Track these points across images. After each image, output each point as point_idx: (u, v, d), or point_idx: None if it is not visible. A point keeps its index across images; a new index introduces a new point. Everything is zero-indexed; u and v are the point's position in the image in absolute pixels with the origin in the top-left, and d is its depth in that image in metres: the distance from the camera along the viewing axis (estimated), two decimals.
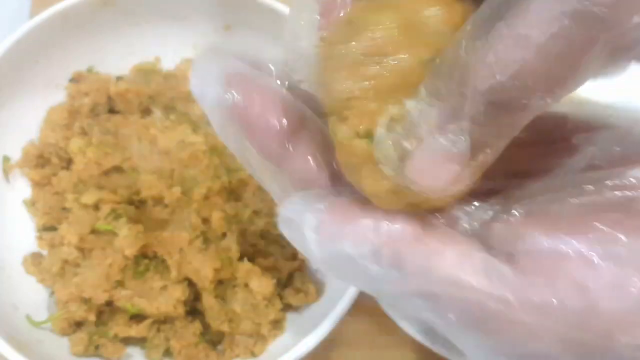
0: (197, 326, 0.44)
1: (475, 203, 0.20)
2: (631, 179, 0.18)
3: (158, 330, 0.44)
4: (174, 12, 0.52)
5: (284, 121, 0.20)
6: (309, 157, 0.21)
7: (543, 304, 0.17)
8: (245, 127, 0.20)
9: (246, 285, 0.44)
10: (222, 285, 0.44)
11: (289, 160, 0.21)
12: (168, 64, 0.53)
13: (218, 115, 0.21)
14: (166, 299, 0.43)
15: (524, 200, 0.20)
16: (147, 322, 0.43)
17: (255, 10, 0.49)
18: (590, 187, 0.19)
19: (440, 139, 0.17)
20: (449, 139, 0.17)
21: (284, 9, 0.47)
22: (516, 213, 0.19)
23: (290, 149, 0.21)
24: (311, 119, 0.22)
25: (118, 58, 0.52)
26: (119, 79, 0.51)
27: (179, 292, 0.43)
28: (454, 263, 0.18)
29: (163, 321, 0.44)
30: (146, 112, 0.51)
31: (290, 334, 0.44)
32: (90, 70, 0.52)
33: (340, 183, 0.21)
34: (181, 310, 0.43)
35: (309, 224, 0.19)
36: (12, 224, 0.47)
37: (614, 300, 0.17)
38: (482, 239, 0.19)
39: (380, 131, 0.18)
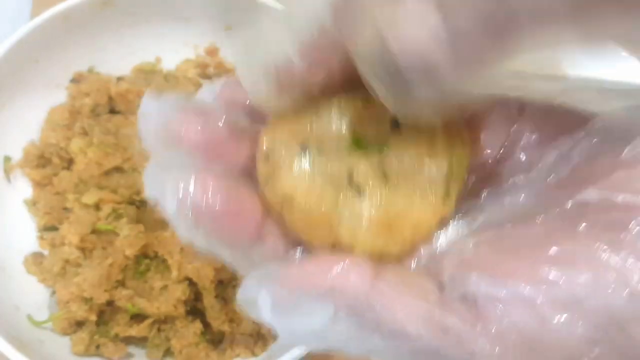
0: (197, 326, 0.44)
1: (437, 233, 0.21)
2: (589, 197, 0.19)
3: (159, 329, 0.44)
4: (175, 12, 0.52)
5: (252, 216, 0.21)
6: (279, 246, 0.21)
7: (491, 357, 0.17)
8: (215, 230, 0.20)
9: None
10: (223, 285, 0.44)
11: (260, 249, 0.21)
12: (168, 64, 0.53)
13: (183, 224, 0.20)
14: (167, 298, 0.43)
15: (481, 228, 0.20)
16: (148, 321, 0.43)
17: (256, 10, 0.49)
18: (540, 217, 0.19)
19: None
20: None
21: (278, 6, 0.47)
22: (469, 247, 0.20)
23: (262, 239, 0.21)
24: None
25: (119, 58, 0.52)
26: (119, 79, 0.51)
27: (179, 292, 0.43)
28: (404, 316, 0.18)
29: (164, 321, 0.44)
30: None
31: None
32: (91, 70, 0.52)
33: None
34: (182, 310, 0.43)
35: (265, 305, 0.20)
36: (13, 224, 0.47)
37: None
38: (437, 275, 0.19)
39: None
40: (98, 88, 0.50)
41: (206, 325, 0.44)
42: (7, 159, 0.48)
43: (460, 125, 0.21)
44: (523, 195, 0.21)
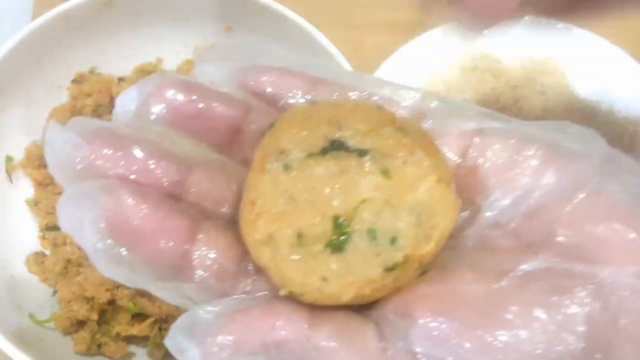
0: None
1: None
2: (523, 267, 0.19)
3: (160, 329, 0.44)
4: (176, 13, 0.52)
5: (176, 236, 0.20)
6: (211, 271, 0.20)
7: None
8: (137, 253, 0.19)
9: None
10: None
11: (190, 274, 0.20)
12: (169, 65, 0.54)
13: (100, 258, 0.19)
14: None
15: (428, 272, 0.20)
16: (149, 321, 0.44)
17: (256, 11, 0.49)
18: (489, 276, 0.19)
19: None
20: None
21: (284, 9, 0.47)
22: (411, 295, 0.20)
23: (191, 257, 0.20)
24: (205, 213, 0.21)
25: (120, 59, 0.52)
26: (121, 80, 0.52)
27: None
28: None
29: (165, 320, 0.44)
30: None
31: None
32: (92, 71, 0.52)
33: (246, 274, 0.21)
34: (182, 309, 0.43)
35: (194, 357, 0.19)
36: (15, 223, 0.47)
37: None
38: (377, 323, 0.19)
39: None
40: (99, 89, 0.50)
41: None
42: (9, 159, 0.49)
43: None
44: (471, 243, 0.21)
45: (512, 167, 0.21)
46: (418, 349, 0.18)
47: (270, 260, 0.20)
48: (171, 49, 0.53)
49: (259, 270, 0.20)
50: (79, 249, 0.45)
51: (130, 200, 0.19)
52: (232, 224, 0.21)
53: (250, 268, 0.21)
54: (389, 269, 0.20)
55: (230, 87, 0.23)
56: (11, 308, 0.43)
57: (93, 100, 0.50)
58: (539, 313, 0.18)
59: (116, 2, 0.49)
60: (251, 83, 0.23)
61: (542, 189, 0.20)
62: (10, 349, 0.38)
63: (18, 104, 0.49)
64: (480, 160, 0.21)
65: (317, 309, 0.20)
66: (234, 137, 0.22)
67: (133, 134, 0.20)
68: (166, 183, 0.20)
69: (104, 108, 0.50)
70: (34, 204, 0.48)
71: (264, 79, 0.23)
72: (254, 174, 0.20)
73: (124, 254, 0.19)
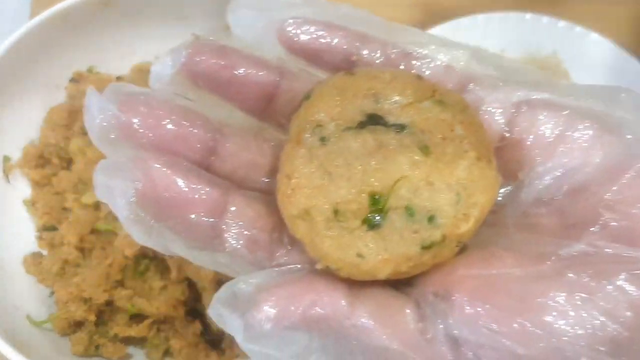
0: (197, 326, 0.44)
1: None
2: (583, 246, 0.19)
3: (158, 330, 0.44)
4: (174, 12, 0.52)
5: (206, 205, 0.20)
6: (242, 241, 0.20)
7: None
8: (169, 220, 0.20)
9: None
10: (222, 285, 0.44)
11: (222, 244, 0.20)
12: None
13: (133, 228, 0.20)
14: (166, 298, 0.43)
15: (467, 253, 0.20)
16: (147, 322, 0.43)
17: None
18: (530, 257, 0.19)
19: None
20: None
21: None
22: (450, 276, 0.19)
23: (222, 227, 0.20)
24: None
25: (118, 58, 0.52)
26: (119, 78, 0.51)
27: (178, 292, 0.43)
28: (386, 340, 0.18)
29: (163, 321, 0.44)
30: None
31: None
32: (90, 70, 0.52)
33: (280, 245, 0.21)
34: (181, 310, 0.43)
35: (237, 331, 0.19)
36: (12, 224, 0.47)
37: None
38: (416, 300, 0.19)
39: None
40: (97, 88, 0.50)
41: (205, 325, 0.44)
42: (6, 159, 0.48)
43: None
44: (512, 222, 0.21)
45: (558, 143, 0.20)
46: (457, 333, 0.18)
47: (306, 235, 0.20)
48: (170, 47, 0.53)
49: (294, 242, 0.20)
50: (76, 249, 0.44)
51: (160, 173, 0.19)
52: (266, 193, 0.21)
53: (284, 239, 0.21)
54: (427, 247, 0.19)
55: (268, 39, 0.22)
56: (8, 309, 0.43)
57: None
58: (582, 299, 0.17)
59: (114, 1, 0.49)
60: (292, 38, 0.22)
61: (588, 167, 0.20)
62: (7, 350, 0.38)
63: (16, 103, 0.48)
64: (526, 134, 0.20)
65: (356, 285, 0.19)
66: (269, 103, 0.22)
67: (167, 102, 0.21)
68: (200, 151, 0.20)
69: None
70: (31, 204, 0.48)
71: (305, 36, 0.22)
72: (289, 147, 0.20)
73: (154, 224, 0.19)
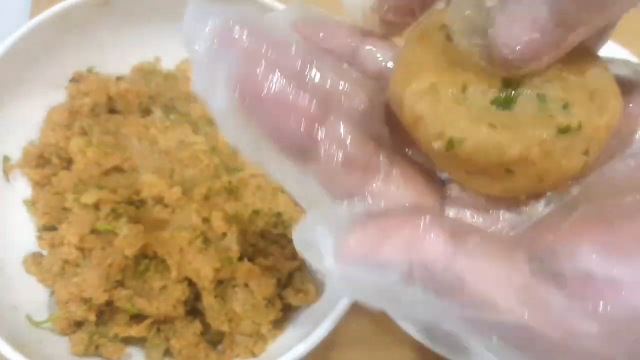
0: (197, 326, 0.44)
1: (525, 206, 0.19)
2: None
3: (158, 330, 0.44)
4: (174, 12, 0.51)
5: (309, 105, 0.19)
6: (339, 152, 0.19)
7: (593, 338, 0.16)
8: (263, 120, 0.19)
9: (246, 285, 0.44)
10: (222, 285, 0.44)
11: (315, 156, 0.19)
12: (168, 64, 0.53)
13: (230, 118, 0.19)
14: (166, 298, 0.43)
15: (579, 202, 0.18)
16: (147, 322, 0.43)
17: (255, 10, 0.49)
18: None
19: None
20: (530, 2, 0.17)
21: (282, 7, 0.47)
22: (569, 219, 0.17)
23: (319, 136, 0.19)
24: (340, 94, 0.20)
25: (118, 58, 0.52)
26: (119, 79, 0.51)
27: (179, 292, 0.43)
28: (492, 285, 0.16)
29: (163, 321, 0.44)
30: (146, 112, 0.51)
31: (290, 334, 0.44)
32: (90, 70, 0.52)
33: (376, 173, 0.20)
34: (181, 310, 0.43)
35: (327, 251, 0.18)
36: (12, 224, 0.47)
37: None
38: (529, 247, 0.17)
39: None
40: (97, 88, 0.50)
41: (205, 325, 0.44)
42: (6, 158, 0.48)
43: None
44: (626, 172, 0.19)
45: None
46: (585, 267, 0.16)
47: (430, 107, 0.18)
48: (170, 47, 0.53)
49: (388, 172, 0.19)
50: (77, 249, 0.44)
51: (266, 70, 0.18)
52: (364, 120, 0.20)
53: (381, 168, 0.19)
54: (562, 131, 0.18)
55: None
56: (8, 309, 0.43)
57: (91, 99, 0.50)
58: None
59: (114, 1, 0.49)
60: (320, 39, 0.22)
61: None
62: (7, 350, 0.38)
63: (15, 103, 0.48)
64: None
65: (459, 230, 0.18)
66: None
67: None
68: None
69: (101, 107, 0.50)
70: (31, 204, 0.48)
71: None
72: (409, 45, 0.19)
73: (250, 120, 0.19)
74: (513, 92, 0.18)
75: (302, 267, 0.46)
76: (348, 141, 0.19)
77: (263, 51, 0.19)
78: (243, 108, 0.19)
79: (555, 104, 0.18)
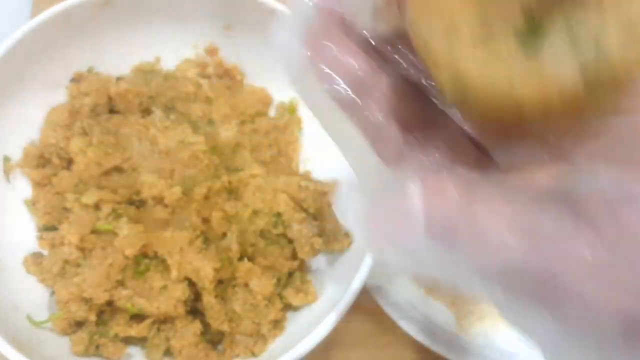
0: (197, 326, 0.44)
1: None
2: None
3: (158, 330, 0.44)
4: (174, 12, 0.52)
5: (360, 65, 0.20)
6: (382, 112, 0.20)
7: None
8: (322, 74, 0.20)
9: (246, 285, 0.44)
10: (222, 285, 0.44)
11: (363, 109, 0.20)
12: (168, 64, 0.53)
13: (291, 69, 0.21)
14: (166, 298, 0.43)
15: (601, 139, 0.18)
16: (148, 321, 0.43)
17: (255, 10, 0.49)
18: None
19: None
20: None
21: (284, 9, 0.47)
22: (588, 149, 0.17)
23: (367, 93, 0.20)
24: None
25: (118, 58, 0.52)
26: (119, 79, 0.51)
27: (179, 292, 0.43)
28: (504, 230, 0.17)
29: (163, 321, 0.44)
30: (146, 112, 0.51)
31: (290, 334, 0.44)
32: (90, 70, 0.52)
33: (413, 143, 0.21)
34: (181, 310, 0.43)
35: (358, 219, 0.19)
36: (12, 224, 0.47)
37: None
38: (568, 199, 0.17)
39: None
40: (97, 88, 0.50)
41: (206, 325, 0.44)
42: (6, 159, 0.48)
43: None
44: None
45: None
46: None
47: (447, 50, 0.17)
48: (170, 47, 0.53)
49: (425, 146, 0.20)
50: (77, 249, 0.44)
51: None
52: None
53: (417, 140, 0.21)
54: (589, 75, 0.16)
55: None
56: (9, 309, 0.43)
57: (91, 99, 0.50)
58: None
59: (115, 1, 0.49)
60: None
61: None
62: (7, 350, 0.38)
63: (16, 103, 0.48)
64: None
65: (473, 182, 0.18)
66: None
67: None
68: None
69: (101, 107, 0.50)
70: (31, 204, 0.48)
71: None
72: None
73: (310, 63, 0.20)
74: (539, 24, 0.16)
75: (302, 267, 0.46)
76: (392, 106, 0.20)
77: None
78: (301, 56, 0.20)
79: (585, 37, 0.16)
